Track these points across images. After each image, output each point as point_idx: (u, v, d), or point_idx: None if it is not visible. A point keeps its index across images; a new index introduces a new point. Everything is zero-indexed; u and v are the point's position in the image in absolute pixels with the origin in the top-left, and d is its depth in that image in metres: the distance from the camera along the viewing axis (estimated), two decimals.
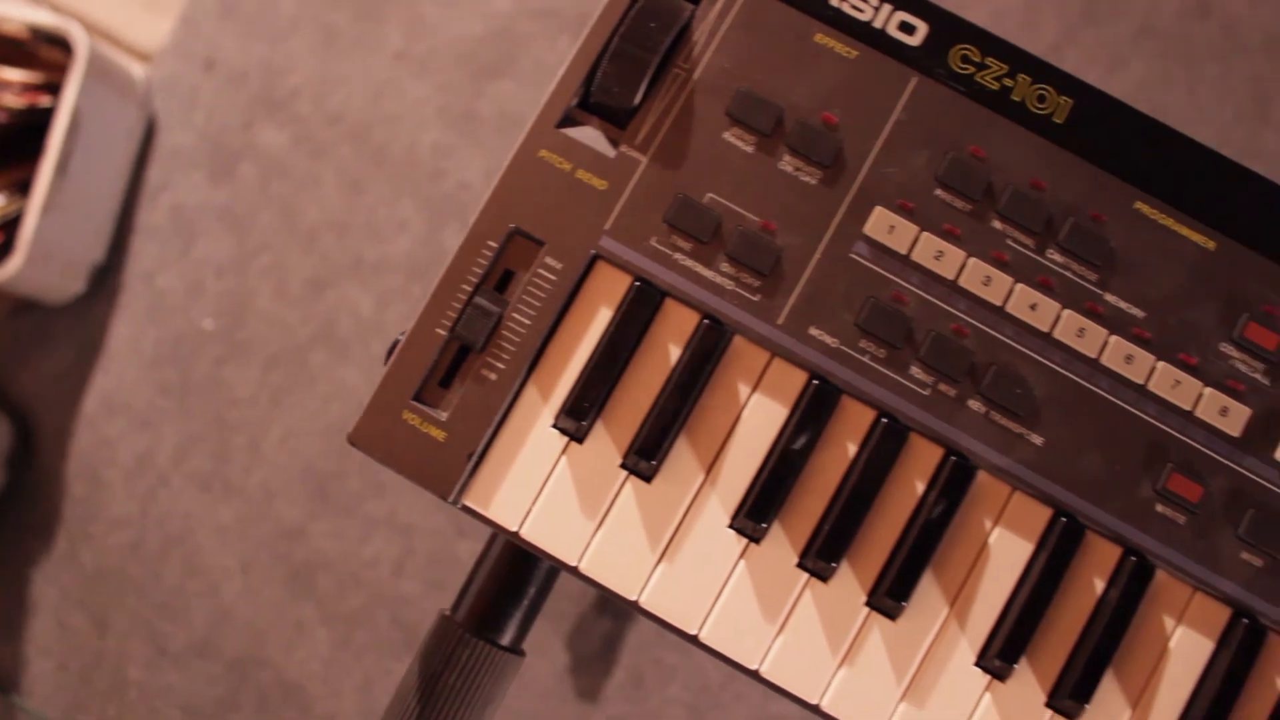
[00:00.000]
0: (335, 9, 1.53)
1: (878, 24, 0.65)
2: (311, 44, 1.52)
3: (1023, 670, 0.62)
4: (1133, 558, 0.62)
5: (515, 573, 0.71)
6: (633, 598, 0.62)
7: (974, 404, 0.62)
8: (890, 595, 0.61)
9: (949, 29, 0.65)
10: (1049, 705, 0.62)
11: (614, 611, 1.47)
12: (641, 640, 1.48)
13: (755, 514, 0.61)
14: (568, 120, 0.65)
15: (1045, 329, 0.63)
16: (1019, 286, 0.63)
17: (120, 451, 1.49)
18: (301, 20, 1.53)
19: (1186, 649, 0.63)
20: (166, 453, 1.49)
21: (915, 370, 0.62)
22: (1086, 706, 0.61)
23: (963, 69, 0.64)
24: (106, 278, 1.51)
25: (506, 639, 0.70)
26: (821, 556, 0.61)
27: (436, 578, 1.52)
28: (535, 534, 0.63)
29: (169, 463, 1.49)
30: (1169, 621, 0.63)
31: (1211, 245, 0.64)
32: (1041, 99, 0.64)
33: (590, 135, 0.64)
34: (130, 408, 1.49)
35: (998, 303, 0.63)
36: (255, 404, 1.48)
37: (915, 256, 0.63)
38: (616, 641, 1.50)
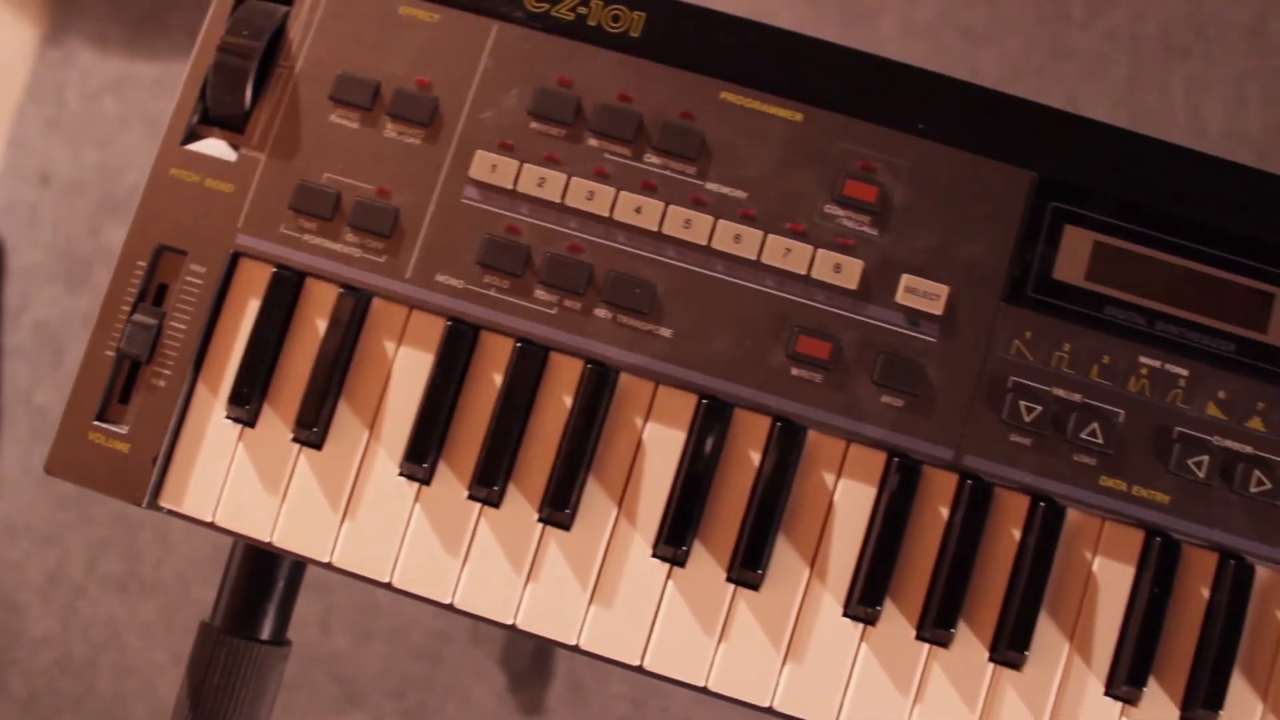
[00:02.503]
0: (157, 98, 1.62)
1: None
2: (141, 138, 1.61)
3: (699, 551, 0.67)
4: (779, 424, 0.67)
5: (257, 567, 0.76)
6: (324, 559, 0.68)
7: (600, 312, 0.68)
8: (554, 505, 0.66)
9: None
10: (729, 578, 0.66)
11: None
12: None
13: (414, 456, 0.67)
14: (191, 136, 0.71)
15: (654, 228, 0.68)
16: (623, 194, 0.68)
17: (30, 572, 1.57)
18: (128, 117, 1.62)
19: (851, 500, 0.67)
20: (77, 563, 1.57)
21: (540, 293, 0.68)
22: (761, 571, 0.66)
23: (537, 7, 0.70)
24: None
25: (264, 633, 0.76)
26: (482, 482, 0.67)
27: (363, 627, 1.57)
28: (228, 519, 0.69)
29: (81, 572, 1.56)
30: (829, 478, 0.68)
31: (799, 117, 0.69)
32: (616, 19, 0.70)
33: (213, 145, 0.71)
34: (31, 528, 1.57)
35: (605, 213, 0.68)
36: None
37: (521, 188, 0.69)
38: (547, 653, 1.55)
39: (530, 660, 1.56)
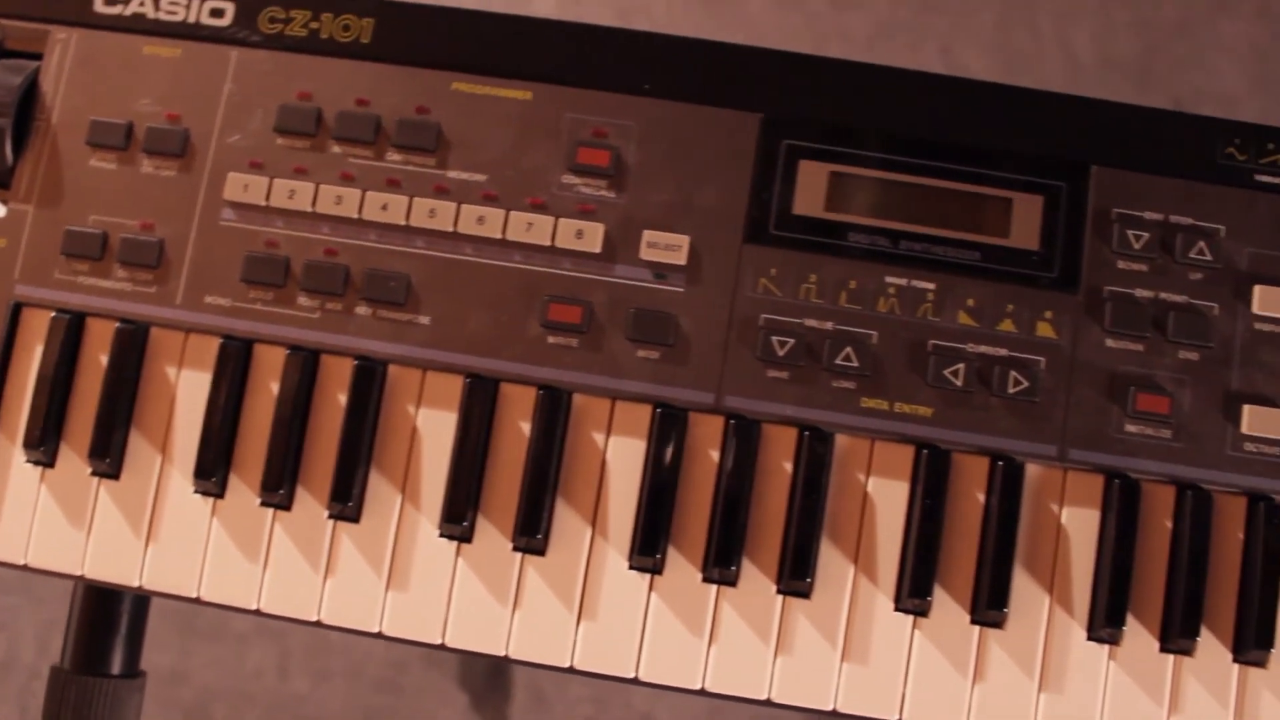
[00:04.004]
0: None
1: (192, 19, 0.74)
2: None
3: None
4: (543, 391, 0.69)
5: (98, 605, 0.79)
6: (134, 584, 0.71)
7: (361, 309, 0.71)
8: (338, 499, 0.69)
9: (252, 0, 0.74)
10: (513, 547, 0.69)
11: None
12: None
13: (202, 473, 0.70)
14: None
15: (402, 222, 0.71)
16: (369, 194, 0.71)
17: None
18: None
19: (623, 455, 0.69)
20: (29, 646, 1.60)
21: (303, 299, 0.71)
22: (542, 537, 0.68)
23: (271, 29, 0.74)
24: None
25: (114, 668, 0.79)
26: (268, 488, 0.69)
27: (321, 667, 1.60)
28: (40, 559, 0.72)
29: (35, 655, 1.60)
30: (599, 437, 0.70)
31: (529, 95, 0.72)
32: (346, 28, 0.73)
33: None
34: None
35: (355, 215, 0.71)
36: None
37: (274, 203, 0.72)
38: (504, 667, 1.57)
39: (487, 674, 1.59)
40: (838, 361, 0.68)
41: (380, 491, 0.70)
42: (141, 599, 0.80)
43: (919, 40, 1.65)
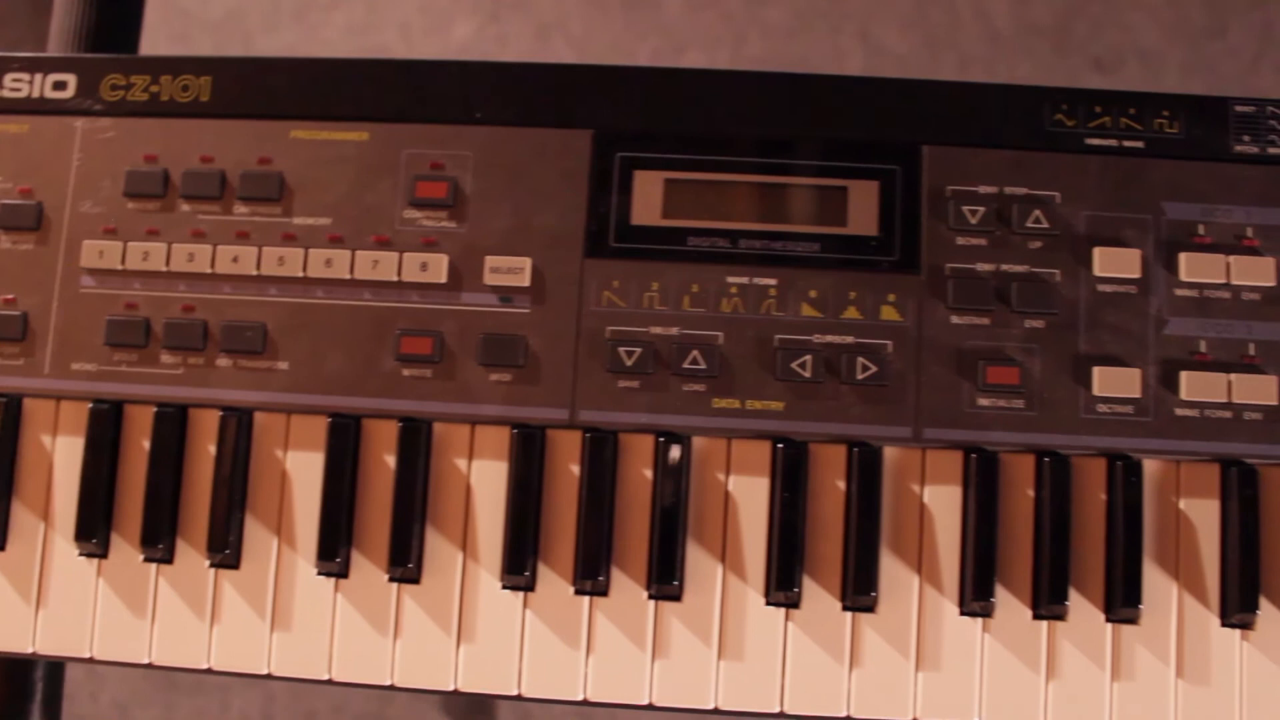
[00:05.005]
0: None
1: (36, 94, 0.77)
2: None
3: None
4: (404, 423, 0.71)
5: (12, 675, 0.82)
6: (28, 650, 0.73)
7: (222, 361, 0.72)
8: (214, 548, 0.71)
9: (93, 69, 0.76)
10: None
11: None
12: None
13: (83, 534, 0.72)
14: None
15: (254, 272, 0.73)
16: (219, 248, 0.73)
17: None
18: None
19: (487, 479, 0.71)
20: None
21: (165, 357, 0.73)
22: (412, 566, 0.70)
23: (114, 95, 0.76)
24: None
25: None
26: (147, 542, 0.71)
27: (306, 709, 1.62)
28: None
29: None
30: (461, 463, 0.72)
31: (365, 136, 0.74)
32: (185, 88, 0.75)
33: None
34: None
35: (208, 270, 0.73)
36: None
37: (129, 266, 0.74)
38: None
39: (470, 705, 1.60)
40: (686, 365, 0.70)
41: (257, 536, 0.71)
42: (55, 665, 0.82)
43: (837, 26, 1.67)
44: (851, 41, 1.66)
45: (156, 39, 1.56)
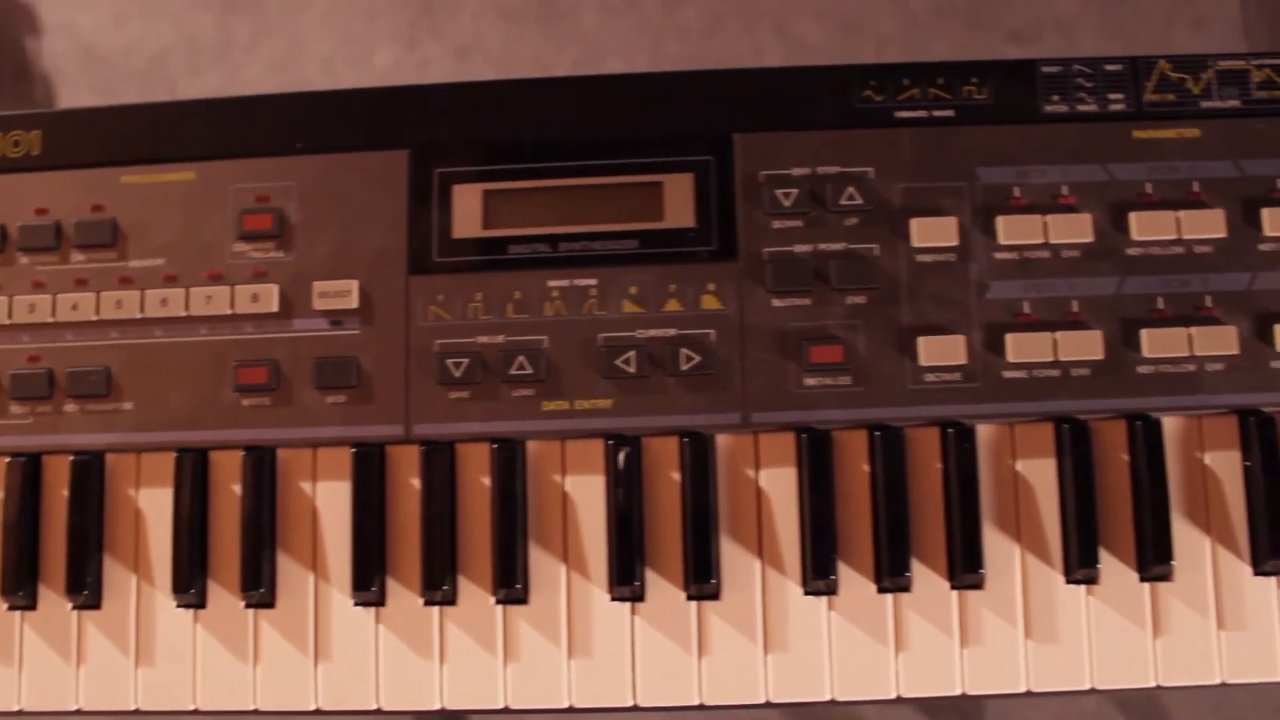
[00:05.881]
0: None
1: None
2: None
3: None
4: (249, 452, 0.73)
5: None
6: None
7: (69, 407, 0.75)
8: (73, 590, 0.73)
9: None
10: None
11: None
12: None
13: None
14: None
15: (94, 317, 0.75)
16: (59, 297, 0.75)
17: None
18: None
19: (332, 499, 0.73)
20: None
21: (14, 408, 0.75)
22: (264, 590, 0.71)
23: None
24: None
25: None
26: (4, 592, 0.73)
27: None
28: None
29: None
30: (307, 486, 0.73)
31: (192, 175, 0.76)
32: (16, 144, 0.78)
33: None
34: None
35: (49, 319, 0.75)
36: None
37: None
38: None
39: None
40: (513, 372, 0.71)
41: (116, 575, 0.73)
42: None
43: (752, 23, 1.68)
44: (768, 36, 1.67)
45: (80, 93, 1.59)
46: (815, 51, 1.65)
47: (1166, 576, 0.71)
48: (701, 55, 1.66)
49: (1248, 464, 0.71)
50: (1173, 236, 0.72)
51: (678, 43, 1.66)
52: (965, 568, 0.69)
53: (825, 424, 0.71)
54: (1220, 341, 0.71)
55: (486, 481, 0.72)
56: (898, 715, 1.52)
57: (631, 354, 0.71)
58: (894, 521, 0.70)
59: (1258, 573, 0.71)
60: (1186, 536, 0.71)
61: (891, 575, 0.70)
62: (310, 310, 0.73)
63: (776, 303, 0.71)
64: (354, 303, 0.73)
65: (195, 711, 0.72)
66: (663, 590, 0.71)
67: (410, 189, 0.74)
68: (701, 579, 0.69)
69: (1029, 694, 0.69)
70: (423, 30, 1.67)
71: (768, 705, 0.70)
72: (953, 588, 0.70)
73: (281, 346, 0.73)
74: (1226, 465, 0.72)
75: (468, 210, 0.73)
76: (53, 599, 0.74)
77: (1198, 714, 1.48)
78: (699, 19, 1.67)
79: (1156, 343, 0.71)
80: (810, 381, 0.71)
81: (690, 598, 0.71)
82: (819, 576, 0.69)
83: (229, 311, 0.73)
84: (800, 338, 0.71)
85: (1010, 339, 0.71)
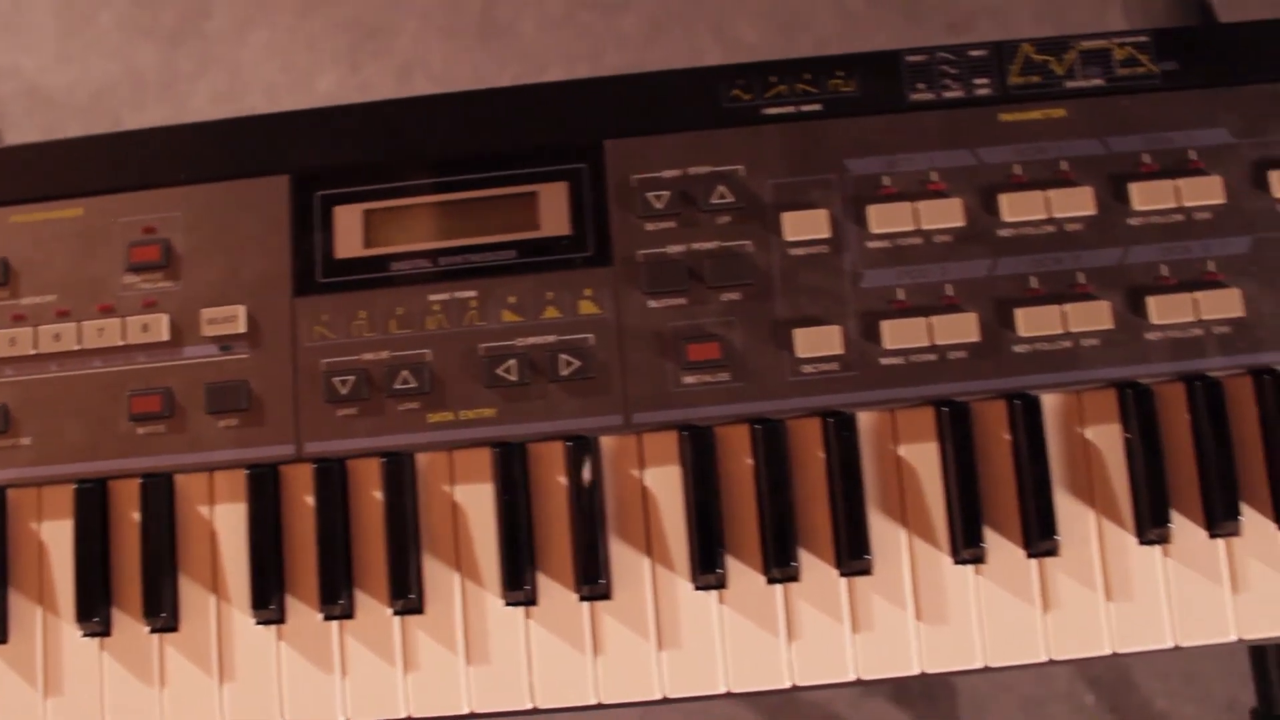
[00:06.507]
0: None
1: None
2: None
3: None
4: (144, 479, 0.75)
5: None
6: None
7: None
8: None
9: None
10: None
11: None
12: None
13: None
14: None
15: None
16: None
17: None
18: None
19: (230, 521, 0.74)
20: None
21: None
22: (166, 615, 0.73)
23: None
24: None
25: None
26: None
27: None
28: None
29: None
30: (205, 510, 0.75)
31: (80, 211, 0.77)
32: None
33: None
34: None
35: None
36: None
37: None
38: None
39: None
40: (398, 386, 0.73)
41: (21, 608, 0.75)
42: None
43: (691, 27, 1.69)
44: (707, 39, 1.69)
45: (27, 133, 1.61)
46: (754, 52, 1.66)
47: (1053, 551, 0.72)
48: (642, 62, 1.68)
49: (1128, 436, 0.72)
50: (1043, 216, 0.73)
51: (618, 52, 1.68)
52: (852, 555, 0.71)
53: (706, 421, 0.72)
54: (1095, 317, 0.72)
55: (379, 495, 0.73)
56: (871, 704, 1.53)
57: (512, 362, 0.72)
58: (778, 513, 0.71)
59: (1143, 542, 0.72)
60: (1071, 511, 0.72)
61: (779, 566, 0.71)
62: (200, 337, 0.75)
63: (653, 304, 0.73)
64: (242, 327, 0.74)
65: None
66: (555, 593, 0.72)
67: (292, 213, 0.75)
68: (591, 580, 0.71)
69: (986, 669, 0.70)
70: (364, 53, 1.69)
71: (664, 701, 0.71)
72: (841, 575, 0.72)
73: (174, 374, 0.75)
74: (1107, 438, 0.73)
75: (349, 230, 0.75)
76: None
77: (1168, 687, 1.49)
78: (638, 26, 1.69)
79: (1031, 321, 0.72)
80: (689, 379, 0.72)
81: (582, 599, 0.72)
82: (707, 571, 0.71)
83: (121, 343, 0.75)
84: (677, 337, 0.72)
85: (886, 326, 0.72)
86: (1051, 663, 0.71)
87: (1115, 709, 1.55)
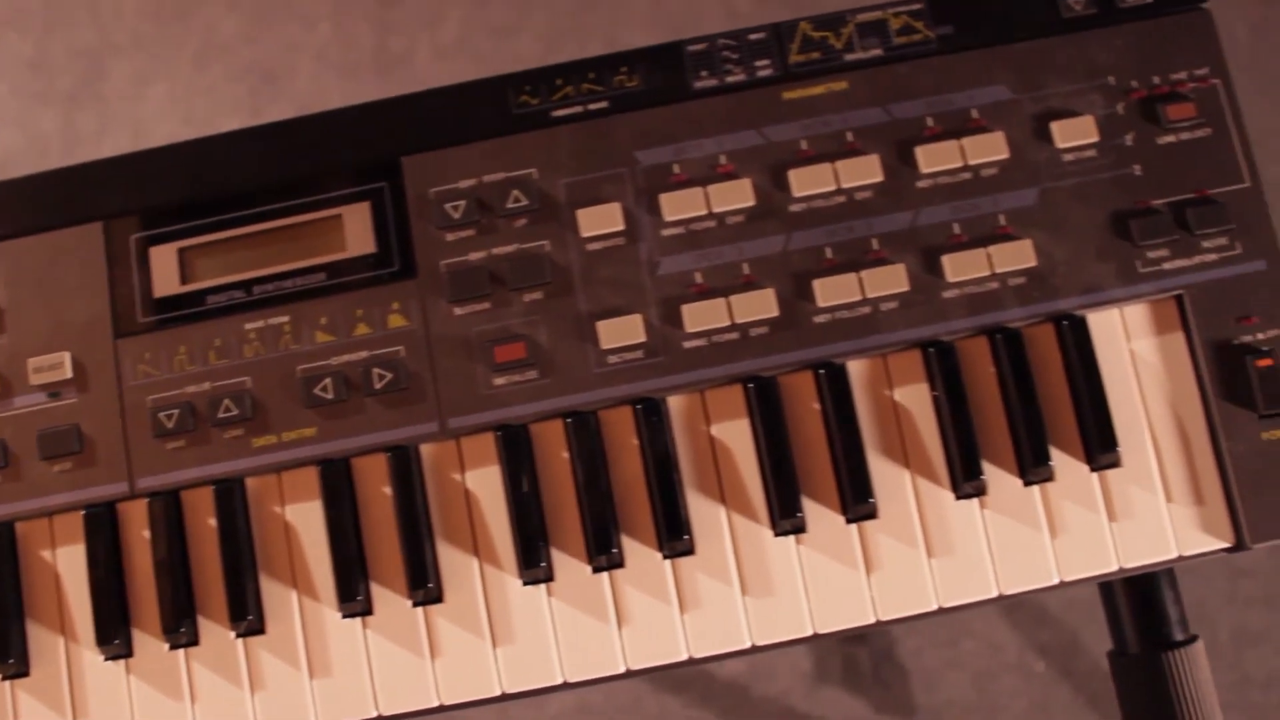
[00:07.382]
0: None
1: None
2: None
3: None
4: None
5: None
6: None
7: None
8: None
9: None
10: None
11: None
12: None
13: None
14: None
15: None
16: None
17: None
18: None
19: (72, 564, 0.77)
20: None
21: None
22: (12, 662, 0.75)
23: None
24: None
25: None
26: None
27: None
28: None
29: None
30: (48, 554, 0.77)
31: None
32: None
33: None
34: None
35: None
36: None
37: None
38: None
39: None
40: (221, 415, 0.75)
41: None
42: None
43: (586, 36, 1.72)
44: (600, 50, 1.71)
45: None
46: None
47: (871, 515, 0.74)
48: None
49: (935, 394, 0.74)
50: (832, 188, 0.76)
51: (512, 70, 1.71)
52: (672, 536, 0.73)
53: (520, 419, 0.75)
54: (891, 280, 0.74)
55: (213, 523, 0.76)
56: (825, 693, 1.54)
57: (328, 381, 0.75)
58: (596, 502, 0.73)
59: (959, 497, 0.74)
60: (886, 473, 0.74)
61: (600, 554, 0.73)
62: (28, 386, 0.77)
63: (458, 311, 0.75)
64: (68, 373, 0.77)
65: None
66: (389, 601, 0.74)
67: (108, 257, 0.78)
68: (420, 585, 0.73)
69: (815, 636, 0.71)
70: (263, 98, 1.72)
71: (503, 697, 0.74)
72: (665, 558, 0.74)
73: (5, 425, 0.77)
74: (915, 398, 0.75)
75: (165, 269, 0.78)
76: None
77: None
78: (533, 47, 1.72)
79: (829, 291, 0.74)
80: (499, 381, 0.74)
81: (416, 604, 0.74)
82: (531, 566, 0.73)
83: None
84: (484, 341, 0.75)
85: (686, 310, 0.74)
86: (880, 623, 0.73)
87: (1066, 673, 1.56)
